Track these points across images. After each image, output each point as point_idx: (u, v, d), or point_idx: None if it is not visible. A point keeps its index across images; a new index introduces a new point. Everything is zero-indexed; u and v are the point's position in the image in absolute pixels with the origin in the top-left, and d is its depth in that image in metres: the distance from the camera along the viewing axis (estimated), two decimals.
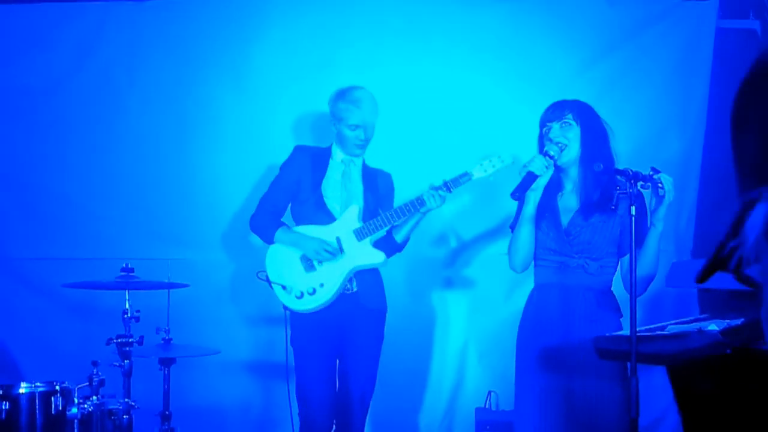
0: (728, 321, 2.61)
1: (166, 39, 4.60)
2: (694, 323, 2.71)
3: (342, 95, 3.88)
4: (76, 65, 4.56)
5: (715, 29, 4.73)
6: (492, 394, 4.46)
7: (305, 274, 3.81)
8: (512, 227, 3.36)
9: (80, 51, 4.56)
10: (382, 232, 3.84)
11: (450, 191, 3.69)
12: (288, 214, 3.99)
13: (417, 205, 3.70)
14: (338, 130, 3.89)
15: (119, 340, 3.60)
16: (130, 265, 3.71)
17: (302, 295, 3.79)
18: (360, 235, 3.80)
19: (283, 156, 4.02)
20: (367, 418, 3.90)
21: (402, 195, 4.07)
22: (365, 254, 3.82)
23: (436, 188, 3.68)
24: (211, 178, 4.58)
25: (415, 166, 4.50)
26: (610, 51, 4.74)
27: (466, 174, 3.68)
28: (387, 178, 4.07)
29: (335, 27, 4.66)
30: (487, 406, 4.45)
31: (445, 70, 4.69)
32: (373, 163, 4.06)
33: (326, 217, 3.86)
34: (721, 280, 2.47)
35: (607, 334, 2.95)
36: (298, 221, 3.93)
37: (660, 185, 3.01)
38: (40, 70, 4.56)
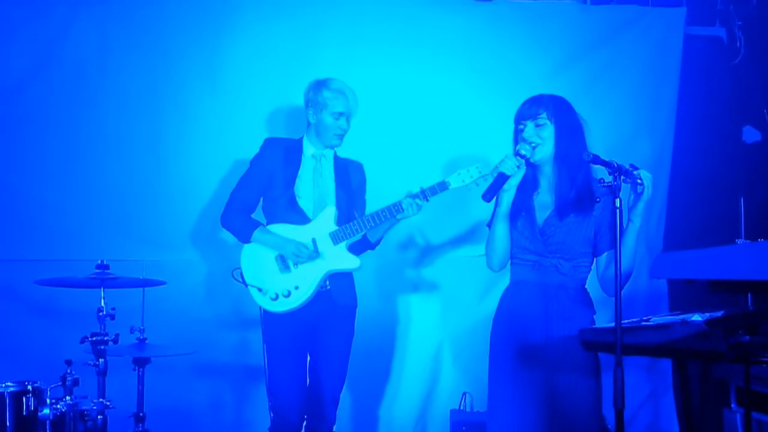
0: (709, 313, 2.65)
1: (137, 35, 4.53)
2: (677, 315, 2.74)
3: (325, 84, 3.87)
4: (46, 62, 4.46)
5: (683, 36, 4.84)
6: (467, 395, 4.47)
7: (280, 275, 3.78)
8: (489, 225, 3.36)
9: (51, 47, 4.47)
10: (357, 236, 3.84)
11: (427, 200, 3.71)
12: (258, 209, 3.95)
13: (394, 211, 3.71)
14: (318, 119, 3.86)
15: (94, 339, 3.55)
16: (105, 262, 3.66)
17: (277, 297, 3.77)
18: (336, 238, 3.79)
19: (251, 150, 3.97)
20: (341, 420, 3.88)
21: (373, 187, 4.07)
22: (341, 259, 3.81)
23: (414, 196, 3.69)
24: (184, 176, 4.51)
25: (387, 163, 4.53)
26: (581, 56, 4.83)
27: (443, 183, 3.69)
28: (359, 168, 4.05)
29: (308, 22, 4.66)
30: (461, 408, 4.47)
31: (418, 72, 4.72)
32: (345, 155, 4.04)
33: (298, 216, 3.83)
34: (707, 271, 2.51)
35: (592, 327, 2.95)
36: (270, 218, 3.89)
37: (639, 181, 3.02)
38: (9, 66, 4.45)
